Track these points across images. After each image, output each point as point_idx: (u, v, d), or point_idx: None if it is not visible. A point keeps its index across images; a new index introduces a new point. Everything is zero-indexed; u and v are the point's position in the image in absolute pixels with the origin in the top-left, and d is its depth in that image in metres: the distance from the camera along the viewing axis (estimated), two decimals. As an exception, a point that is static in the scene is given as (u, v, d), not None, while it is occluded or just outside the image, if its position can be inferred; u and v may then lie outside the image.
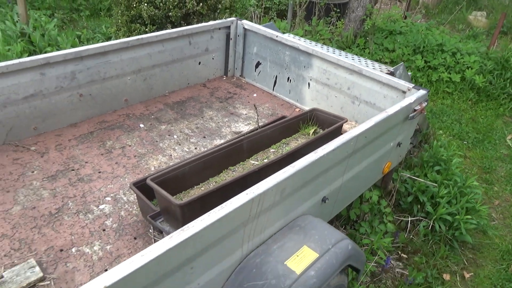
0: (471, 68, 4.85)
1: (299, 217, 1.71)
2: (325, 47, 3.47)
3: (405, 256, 2.72)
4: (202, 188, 1.80)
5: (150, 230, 1.84)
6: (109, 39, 5.14)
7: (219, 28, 3.12)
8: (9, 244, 1.68)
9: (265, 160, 1.98)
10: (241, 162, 1.95)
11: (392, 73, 2.57)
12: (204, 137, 2.54)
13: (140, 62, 2.71)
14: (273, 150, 2.08)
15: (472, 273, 2.72)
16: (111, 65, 2.55)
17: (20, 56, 3.65)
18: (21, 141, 2.30)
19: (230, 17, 4.75)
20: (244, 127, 2.69)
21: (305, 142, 1.95)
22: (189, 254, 1.24)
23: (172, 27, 4.42)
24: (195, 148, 2.42)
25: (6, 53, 3.59)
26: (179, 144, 2.45)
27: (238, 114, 2.84)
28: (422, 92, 2.32)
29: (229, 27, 3.16)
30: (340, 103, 2.79)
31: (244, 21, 3.15)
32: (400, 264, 2.66)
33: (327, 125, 2.23)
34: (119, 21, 4.60)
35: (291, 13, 6.25)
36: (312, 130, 2.22)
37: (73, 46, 4.17)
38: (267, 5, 6.65)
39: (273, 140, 2.14)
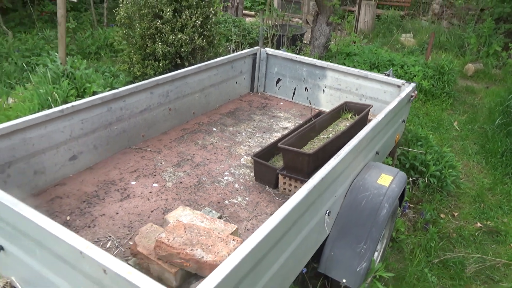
0: (417, 76, 6.22)
1: (368, 163, 2.64)
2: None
3: (412, 205, 3.73)
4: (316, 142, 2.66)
5: (267, 187, 2.64)
6: (117, 76, 5.79)
7: (249, 55, 4.04)
8: (182, 203, 2.40)
9: (331, 135, 2.89)
10: (319, 135, 2.85)
11: (388, 75, 3.65)
12: (264, 132, 3.40)
13: (204, 83, 3.52)
14: (331, 129, 3.01)
15: (458, 212, 3.80)
16: (188, 86, 3.34)
17: (67, 91, 4.24)
18: (137, 145, 2.99)
19: (221, 49, 5.72)
20: (287, 124, 3.59)
21: (353, 122, 2.91)
22: (326, 185, 2.04)
23: (181, 61, 5.27)
24: (263, 140, 3.27)
25: (57, 90, 4.17)
26: (250, 138, 3.28)
27: (277, 116, 3.74)
28: (412, 84, 3.41)
29: (255, 54, 4.10)
30: (351, 101, 3.80)
31: (267, 49, 4.11)
32: (411, 211, 3.67)
33: (357, 111, 3.20)
34: (134, 59, 5.33)
35: (262, 44, 7.36)
36: (349, 115, 3.19)
37: (104, 81, 4.81)
38: (238, 40, 7.70)
39: (327, 123, 3.06)
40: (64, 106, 2.39)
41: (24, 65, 5.48)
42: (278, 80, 4.19)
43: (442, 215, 3.69)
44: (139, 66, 5.25)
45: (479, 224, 3.62)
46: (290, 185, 2.55)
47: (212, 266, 1.57)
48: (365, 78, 3.66)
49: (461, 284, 2.97)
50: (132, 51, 5.36)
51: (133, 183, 2.55)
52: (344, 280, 2.18)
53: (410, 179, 3.84)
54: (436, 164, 3.89)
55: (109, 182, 2.54)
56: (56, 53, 4.62)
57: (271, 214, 1.76)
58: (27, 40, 6.53)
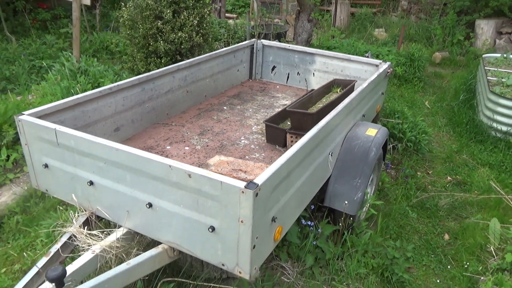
0: (391, 63, 6.95)
1: (357, 122, 3.28)
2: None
3: (393, 166, 4.40)
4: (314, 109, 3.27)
5: (277, 146, 3.24)
6: (120, 75, 6.29)
7: (247, 46, 4.65)
8: (211, 156, 2.97)
9: (325, 101, 3.52)
10: (316, 104, 3.48)
11: (367, 57, 4.31)
12: (267, 109, 4.00)
13: (213, 69, 4.11)
14: (324, 100, 3.64)
15: (431, 171, 4.49)
16: (201, 71, 3.92)
17: (85, 85, 4.74)
18: (163, 121, 3.54)
19: (216, 45, 6.30)
20: (286, 102, 4.20)
21: (344, 91, 3.55)
22: (326, 133, 2.68)
23: (181, 57, 5.83)
24: (267, 114, 3.87)
25: (74, 85, 4.66)
26: (256, 113, 3.87)
27: (276, 96, 4.36)
28: (388, 63, 4.09)
29: (253, 45, 4.71)
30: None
31: (263, 40, 4.73)
32: (392, 170, 4.33)
33: (344, 86, 3.85)
34: (137, 57, 5.85)
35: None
36: (338, 89, 3.83)
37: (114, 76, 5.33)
38: (226, 39, 8.30)
39: (321, 96, 3.70)
40: (112, 85, 2.94)
41: (36, 66, 5.91)
42: (273, 68, 4.81)
43: (418, 173, 4.37)
44: (143, 63, 5.78)
45: (449, 178, 4.32)
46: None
47: (254, 183, 2.15)
48: (348, 60, 4.32)
49: (436, 221, 3.64)
50: (135, 50, 5.87)
51: (168, 147, 3.11)
52: (345, 208, 2.80)
53: (390, 145, 4.51)
54: (412, 131, 4.58)
55: (148, 147, 3.09)
56: (69, 53, 5.11)
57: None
58: (30, 45, 6.94)
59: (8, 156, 3.53)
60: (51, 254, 2.05)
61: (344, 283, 2.77)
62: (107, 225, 2.37)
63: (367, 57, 4.26)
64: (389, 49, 7.53)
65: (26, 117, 2.31)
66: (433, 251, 3.25)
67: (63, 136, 2.18)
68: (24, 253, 2.92)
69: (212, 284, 2.45)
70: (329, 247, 2.75)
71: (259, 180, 1.78)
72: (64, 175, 2.31)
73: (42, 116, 2.43)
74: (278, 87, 4.68)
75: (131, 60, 5.92)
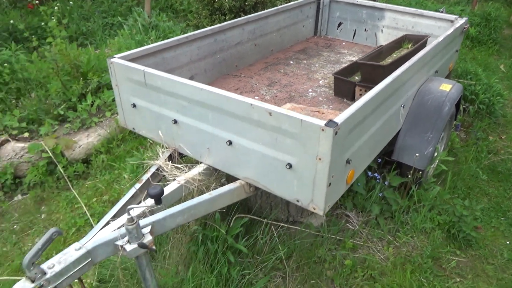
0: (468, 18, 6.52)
1: (430, 77, 3.19)
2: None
3: (463, 129, 4.24)
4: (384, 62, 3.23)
5: (345, 99, 3.25)
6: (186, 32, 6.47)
7: (314, 1, 4.59)
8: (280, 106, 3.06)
9: (396, 56, 3.45)
10: (385, 59, 3.41)
11: (442, 12, 4.09)
12: (334, 64, 3.98)
13: (280, 24, 4.12)
14: (395, 55, 3.56)
15: (505, 136, 4.28)
16: (268, 25, 3.95)
17: (156, 39, 4.96)
18: (232, 73, 3.66)
19: (278, 3, 6.22)
20: (352, 58, 4.15)
21: (414, 47, 3.44)
22: (399, 84, 2.64)
23: (244, 15, 5.86)
24: (334, 69, 3.85)
25: (147, 39, 4.89)
26: (323, 68, 3.87)
27: (342, 52, 4.31)
28: (465, 18, 3.86)
29: (319, 0, 4.63)
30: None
31: (330, -5, 4.64)
32: (462, 132, 4.19)
33: (416, 41, 3.71)
34: (202, 14, 5.96)
35: None
36: (410, 45, 3.71)
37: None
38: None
39: (391, 51, 3.61)
40: (188, 34, 3.08)
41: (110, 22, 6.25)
42: (340, 24, 4.71)
43: (490, 137, 4.19)
44: (208, 20, 5.90)
45: (524, 143, 4.10)
46: (365, 95, 3.16)
47: (328, 127, 2.22)
48: (420, 16, 4.13)
49: (508, 185, 3.51)
50: (201, 7, 5.99)
51: (239, 96, 3.23)
52: (414, 161, 2.80)
53: (462, 107, 4.33)
54: (485, 93, 4.35)
55: (220, 96, 3.23)
56: (141, 9, 5.33)
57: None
58: (102, 3, 7.30)
59: (92, 102, 3.86)
60: (143, 181, 2.29)
61: (409, 235, 2.82)
62: (188, 162, 2.57)
63: (441, 12, 4.04)
64: (462, 8, 7.03)
65: (117, 60, 2.52)
66: (504, 214, 3.18)
67: (151, 77, 2.37)
68: (114, 186, 3.26)
69: (281, 224, 2.61)
70: (396, 198, 2.79)
71: (339, 119, 1.85)
72: (150, 114, 2.52)
73: (129, 60, 2.63)
74: (344, 44, 4.61)
75: (196, 18, 6.06)
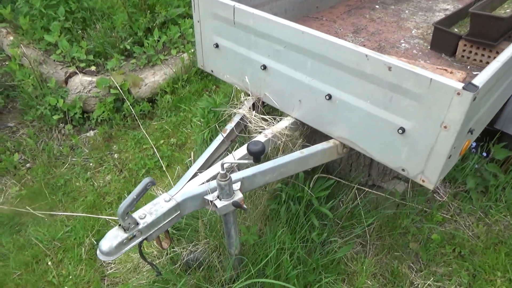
0: None
1: None
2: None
3: None
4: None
5: (443, 55, 2.85)
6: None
7: None
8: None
9: (508, 10, 2.95)
10: (496, 10, 2.93)
11: None
12: (426, 11, 3.50)
13: (368, -40, 3.63)
14: (506, 6, 3.04)
15: None
16: (357, -39, 3.48)
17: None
18: (312, 15, 3.30)
19: None
20: (447, 6, 3.63)
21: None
22: None
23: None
24: (427, 17, 3.39)
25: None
26: (414, 16, 3.41)
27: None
28: None
29: None
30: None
31: None
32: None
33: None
34: None
35: None
36: (525, -6, 3.16)
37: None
38: None
39: (501, 1, 3.08)
40: (275, -33, 2.72)
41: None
42: (433, -36, 4.11)
43: None
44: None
45: None
46: (470, 52, 2.74)
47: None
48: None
49: None
50: None
51: (322, 43, 2.91)
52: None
53: None
54: None
55: (302, 40, 2.92)
56: None
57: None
58: None
59: (158, 38, 3.65)
60: (227, 131, 2.11)
61: (502, 213, 2.55)
62: (270, 113, 2.36)
63: None
64: None
65: (202, -8, 2.24)
66: None
67: (241, 14, 2.09)
68: (181, 129, 3.13)
69: (365, 189, 2.39)
70: (498, 172, 2.48)
71: (479, 81, 1.53)
72: (234, 57, 2.28)
73: (212, -7, 2.35)
74: (436, -12, 4.04)
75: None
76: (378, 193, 2.47)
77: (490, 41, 2.60)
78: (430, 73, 1.57)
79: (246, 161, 1.57)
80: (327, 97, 1.93)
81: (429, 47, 2.97)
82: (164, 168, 2.69)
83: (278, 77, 2.11)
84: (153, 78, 3.50)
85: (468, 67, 2.78)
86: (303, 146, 2.14)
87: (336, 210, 2.32)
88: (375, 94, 1.76)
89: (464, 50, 2.78)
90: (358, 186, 2.44)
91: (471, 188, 2.55)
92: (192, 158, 2.53)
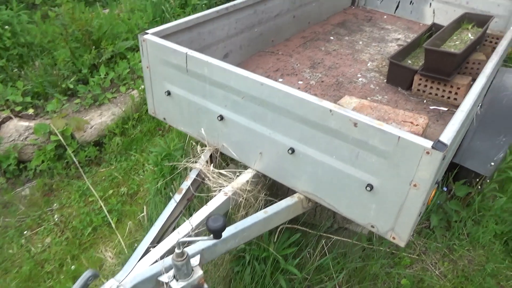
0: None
1: (500, 68, 2.78)
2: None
3: None
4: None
5: (399, 88, 2.85)
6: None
7: (355, -34, 4.04)
8: (331, 98, 2.66)
9: (457, 42, 3.01)
10: (446, 42, 2.98)
11: (504, -13, 3.60)
12: (379, 42, 3.53)
13: (320, -8, 3.62)
14: (455, 37, 3.11)
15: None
16: (308, -7, 3.45)
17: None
18: (268, 49, 3.21)
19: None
20: (398, 35, 3.68)
21: (483, 31, 2.99)
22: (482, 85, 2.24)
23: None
24: (380, 49, 3.41)
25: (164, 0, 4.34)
26: (368, 47, 3.42)
27: (386, 28, 3.83)
28: (533, -4, 3.39)
29: (361, -35, 4.08)
30: (458, 15, 3.82)
31: (374, -41, 4.08)
32: None
33: (478, 22, 3.25)
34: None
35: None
36: (470, 26, 3.26)
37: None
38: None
39: (450, 33, 3.16)
40: (228, 5, 2.60)
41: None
42: (382, -7, 4.19)
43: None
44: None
45: None
46: (426, 86, 2.75)
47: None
48: (479, -10, 3.63)
49: None
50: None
51: (280, 80, 2.81)
52: (480, 167, 2.45)
53: None
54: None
55: (259, 78, 2.80)
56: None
57: (412, 110, 2.31)
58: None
59: (105, 75, 3.40)
60: (183, 190, 1.92)
61: (465, 248, 2.53)
62: (228, 164, 2.20)
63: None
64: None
65: (152, 38, 2.06)
66: None
67: (195, 62, 1.94)
68: (132, 176, 2.89)
69: (332, 236, 2.29)
70: (460, 209, 2.47)
71: (446, 138, 1.47)
72: (188, 106, 2.11)
73: (163, 36, 2.18)
74: (385, 17, 4.11)
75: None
76: (345, 239, 2.37)
77: (444, 76, 2.62)
78: (398, 131, 1.49)
79: (205, 238, 1.40)
80: (290, 151, 1.81)
81: (385, 80, 2.98)
82: (114, 225, 2.44)
83: (237, 128, 1.97)
84: (100, 119, 3.23)
85: (425, 101, 2.80)
86: (266, 201, 2.00)
87: (303, 265, 2.18)
88: (340, 149, 1.66)
89: (419, 84, 2.79)
90: (325, 234, 2.33)
91: (435, 226, 2.52)
92: (145, 212, 2.31)
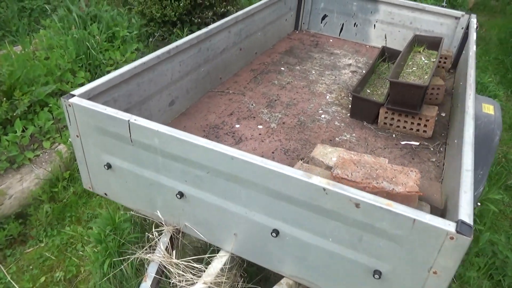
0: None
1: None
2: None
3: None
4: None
5: (365, 123, 2.65)
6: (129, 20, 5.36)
7: (297, -9, 3.86)
8: (297, 142, 2.37)
9: (414, 68, 2.90)
10: (404, 69, 2.84)
11: (444, 6, 3.62)
12: (332, 70, 3.34)
13: (265, 20, 3.35)
14: (411, 62, 3.00)
15: (499, 140, 4.03)
16: (254, 23, 3.18)
17: (100, 34, 3.91)
18: (217, 88, 2.86)
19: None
20: (349, 61, 3.53)
21: (438, 55, 2.91)
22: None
23: (202, 0, 4.97)
24: (335, 77, 3.21)
25: (87, 36, 3.83)
26: (322, 76, 3.21)
27: (335, 53, 3.67)
28: (473, 16, 3.41)
29: (303, -11, 3.91)
30: (403, 35, 3.78)
31: (314, -17, 3.92)
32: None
33: (429, 44, 3.18)
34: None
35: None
36: (422, 48, 3.18)
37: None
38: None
39: (404, 57, 3.05)
40: (169, 47, 2.22)
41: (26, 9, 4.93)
42: (324, 16, 4.05)
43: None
44: (157, 7, 4.89)
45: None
46: (393, 119, 2.58)
47: (404, 197, 1.60)
48: (421, 10, 3.61)
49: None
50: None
51: (237, 126, 2.47)
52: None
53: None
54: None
55: (213, 126, 2.45)
56: (74, -7, 4.18)
57: (384, 148, 2.24)
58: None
59: (23, 130, 2.82)
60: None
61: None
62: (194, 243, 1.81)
63: (444, 6, 3.58)
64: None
65: (80, 101, 1.62)
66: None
67: (141, 131, 1.53)
68: (68, 255, 2.36)
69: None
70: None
71: (467, 216, 1.22)
72: (137, 181, 1.69)
73: (93, 96, 1.74)
74: (331, 40, 3.97)
75: (141, 3, 4.99)
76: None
77: (412, 109, 2.47)
78: (412, 211, 1.22)
79: None
80: (274, 234, 1.47)
81: (348, 114, 2.77)
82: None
83: (202, 206, 1.59)
84: (20, 185, 2.66)
85: (394, 135, 2.63)
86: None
87: None
88: (339, 232, 1.36)
89: (386, 118, 2.61)
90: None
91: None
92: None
